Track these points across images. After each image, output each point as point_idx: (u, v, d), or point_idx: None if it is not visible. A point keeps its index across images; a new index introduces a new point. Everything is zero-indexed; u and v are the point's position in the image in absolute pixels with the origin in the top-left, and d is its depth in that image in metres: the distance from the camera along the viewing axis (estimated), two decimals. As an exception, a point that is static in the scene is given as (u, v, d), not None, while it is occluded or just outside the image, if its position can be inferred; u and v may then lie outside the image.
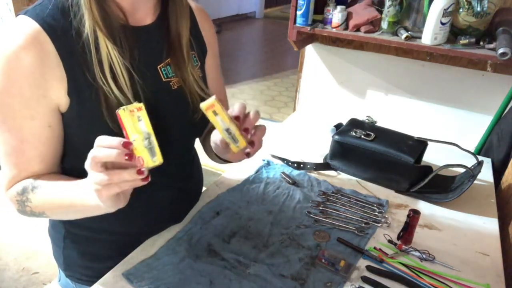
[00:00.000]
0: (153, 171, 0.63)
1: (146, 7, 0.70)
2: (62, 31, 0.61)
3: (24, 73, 0.59)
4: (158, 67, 0.72)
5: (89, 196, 0.59)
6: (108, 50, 0.62)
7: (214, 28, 0.89)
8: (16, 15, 0.63)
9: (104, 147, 0.52)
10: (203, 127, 0.84)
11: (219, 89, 0.93)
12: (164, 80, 0.73)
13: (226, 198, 1.00)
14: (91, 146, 0.64)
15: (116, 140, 0.52)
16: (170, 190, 0.82)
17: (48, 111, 0.64)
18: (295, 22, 1.44)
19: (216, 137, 0.69)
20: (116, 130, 0.64)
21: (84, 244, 0.82)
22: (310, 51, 1.72)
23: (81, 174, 0.70)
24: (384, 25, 1.35)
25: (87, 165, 0.53)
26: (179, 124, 0.76)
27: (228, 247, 0.83)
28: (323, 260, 0.79)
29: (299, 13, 1.42)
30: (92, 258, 0.83)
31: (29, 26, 0.60)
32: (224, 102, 0.95)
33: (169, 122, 0.73)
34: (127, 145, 0.51)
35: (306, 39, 1.60)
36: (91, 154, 0.52)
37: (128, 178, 0.52)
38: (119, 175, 0.51)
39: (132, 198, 0.72)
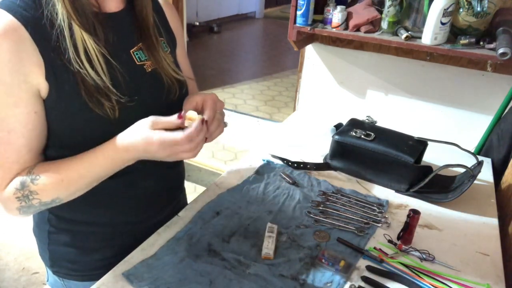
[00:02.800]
0: (138, 161, 0.69)
1: None
2: (34, 20, 0.63)
3: (2, 60, 0.60)
4: (131, 51, 0.75)
5: (122, 155, 0.67)
6: (82, 36, 0.64)
7: (180, 21, 0.93)
8: None
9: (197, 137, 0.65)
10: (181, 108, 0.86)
11: (190, 81, 0.96)
12: (137, 63, 0.75)
13: (226, 198, 1.00)
14: (72, 131, 0.69)
15: (199, 127, 0.65)
16: (152, 178, 0.83)
17: (31, 96, 0.64)
18: (295, 22, 1.44)
19: None
20: (97, 110, 0.67)
21: (69, 237, 0.82)
22: (310, 51, 1.72)
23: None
24: (384, 25, 1.34)
25: (177, 148, 0.64)
26: (156, 106, 0.77)
27: (228, 247, 0.83)
28: (323, 260, 0.79)
29: (299, 13, 1.42)
30: (78, 252, 0.83)
31: (2, 16, 0.61)
32: (193, 90, 1.00)
33: (146, 104, 0.75)
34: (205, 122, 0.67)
35: (306, 39, 1.60)
36: (191, 149, 0.65)
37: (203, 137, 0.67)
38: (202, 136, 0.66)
39: (112, 186, 0.77)
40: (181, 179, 0.99)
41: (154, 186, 0.84)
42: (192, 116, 0.67)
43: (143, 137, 0.65)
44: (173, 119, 0.66)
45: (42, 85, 0.64)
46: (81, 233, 0.82)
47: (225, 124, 0.76)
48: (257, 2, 7.82)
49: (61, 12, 0.63)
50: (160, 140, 0.64)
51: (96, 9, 0.70)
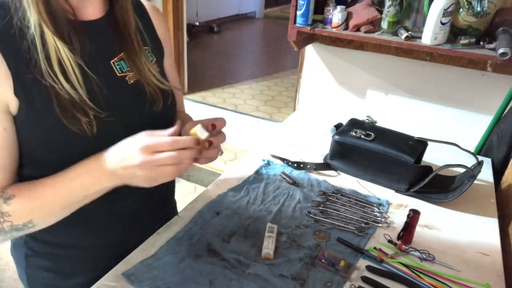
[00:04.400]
0: None
1: (92, 3, 0.68)
2: (2, 32, 0.59)
3: None
4: (111, 61, 0.70)
5: (96, 178, 0.62)
6: (56, 45, 0.60)
7: (167, 27, 0.89)
8: None
9: (185, 150, 0.59)
10: (166, 119, 0.79)
11: (178, 92, 0.92)
12: (118, 75, 0.71)
13: (226, 198, 1.00)
14: (47, 149, 0.64)
15: (190, 139, 0.60)
16: (135, 198, 0.78)
17: (0, 113, 0.60)
18: (295, 22, 1.44)
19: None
20: (72, 127, 0.62)
21: (48, 261, 0.78)
22: (310, 51, 1.72)
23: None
24: (384, 25, 1.34)
25: (152, 161, 0.58)
26: (138, 119, 0.73)
27: (228, 246, 0.83)
28: (323, 260, 0.79)
29: (299, 13, 1.42)
30: (57, 276, 0.79)
31: None
32: (181, 105, 0.96)
33: (128, 118, 0.71)
34: (198, 142, 0.61)
35: (306, 39, 1.60)
36: (172, 154, 0.58)
37: (191, 158, 0.61)
38: (191, 153, 0.60)
39: (92, 207, 0.69)
40: (170, 195, 0.94)
41: (138, 206, 0.80)
42: (196, 132, 0.64)
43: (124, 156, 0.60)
44: (170, 130, 0.61)
45: (11, 101, 0.60)
46: (60, 256, 0.78)
47: (220, 153, 0.70)
48: (257, 2, 7.81)
49: (33, 18, 0.59)
50: (141, 146, 0.58)
51: (71, 16, 0.65)
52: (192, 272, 0.76)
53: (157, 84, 0.75)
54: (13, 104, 0.60)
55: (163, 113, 0.76)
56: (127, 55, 0.72)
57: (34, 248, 0.78)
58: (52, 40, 0.60)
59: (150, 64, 0.75)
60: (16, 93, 0.60)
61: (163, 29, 0.85)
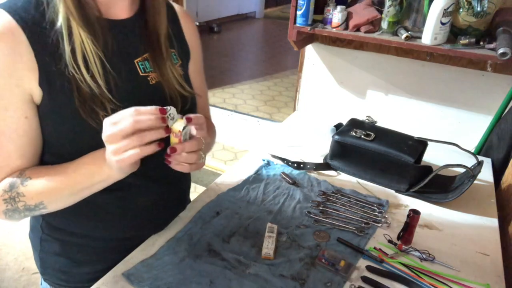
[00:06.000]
0: (132, 174, 0.65)
1: (121, 3, 0.70)
2: (33, 23, 0.61)
3: None
4: (135, 61, 0.72)
5: (99, 167, 0.62)
6: (81, 38, 0.62)
7: (198, 33, 0.88)
8: None
9: (145, 114, 0.56)
10: None
11: (203, 98, 0.92)
12: (141, 74, 0.72)
13: (226, 198, 1.00)
14: (64, 140, 0.67)
15: (153, 108, 0.57)
16: (149, 195, 0.79)
17: (23, 101, 0.62)
18: (295, 22, 1.44)
19: None
20: (89, 120, 0.64)
21: (60, 247, 0.80)
22: (310, 51, 1.71)
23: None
24: (384, 25, 1.34)
25: (114, 132, 0.56)
26: None
27: (228, 246, 0.83)
28: (323, 260, 0.79)
29: (299, 13, 1.42)
30: (68, 263, 0.81)
31: (1, 17, 0.60)
32: (205, 111, 0.95)
33: None
34: (163, 111, 0.57)
35: (306, 39, 1.60)
36: (130, 119, 0.55)
37: (156, 136, 0.57)
38: (150, 134, 0.56)
39: (107, 201, 0.73)
40: (185, 193, 0.95)
41: (153, 203, 0.81)
42: (174, 125, 0.61)
43: None
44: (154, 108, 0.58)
45: (35, 91, 0.63)
46: (72, 244, 0.80)
47: (202, 158, 0.66)
48: (257, 2, 7.81)
49: (61, 11, 0.61)
50: (108, 120, 0.58)
51: (97, 14, 0.67)
52: (192, 272, 0.76)
53: (177, 88, 0.76)
54: (37, 94, 0.63)
55: None
56: (152, 56, 0.73)
57: (49, 233, 0.80)
58: (77, 32, 0.62)
59: (174, 67, 0.76)
60: (41, 84, 0.62)
61: (192, 34, 0.85)
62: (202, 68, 0.93)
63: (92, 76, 0.64)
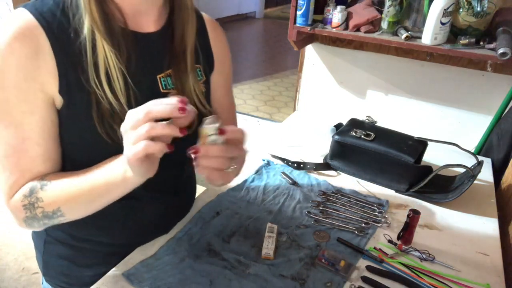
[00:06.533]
0: (141, 185, 0.64)
1: (149, 13, 0.67)
2: (59, 29, 0.60)
3: (18, 65, 0.57)
4: (158, 76, 0.69)
5: (116, 170, 0.59)
6: (105, 52, 0.60)
7: (227, 44, 0.84)
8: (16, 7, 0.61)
9: (161, 104, 0.51)
10: (194, 142, 0.78)
11: (225, 111, 0.86)
12: (162, 91, 0.70)
13: (226, 198, 1.00)
14: (77, 149, 0.66)
15: (172, 98, 0.52)
16: (156, 205, 0.79)
17: (47, 105, 0.61)
18: (295, 22, 1.44)
19: None
20: (105, 136, 0.62)
21: (64, 250, 0.80)
22: (310, 51, 1.71)
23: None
24: (384, 25, 1.34)
25: (127, 123, 0.52)
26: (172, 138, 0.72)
27: (228, 247, 0.83)
28: (323, 260, 0.79)
29: (299, 13, 1.42)
30: (71, 266, 0.81)
31: (25, 19, 0.58)
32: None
33: None
34: (183, 101, 0.51)
35: (306, 39, 1.60)
36: (145, 109, 0.51)
37: (167, 131, 0.51)
38: (161, 127, 0.51)
39: (116, 211, 0.72)
40: (190, 202, 0.94)
41: (159, 213, 0.81)
42: (204, 128, 0.55)
43: None
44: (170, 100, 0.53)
45: (56, 97, 0.61)
46: (77, 248, 0.79)
47: (231, 167, 0.57)
48: (257, 2, 7.81)
49: (86, 22, 0.59)
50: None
51: (123, 25, 0.64)
52: (192, 272, 0.76)
53: (198, 106, 0.73)
54: (57, 100, 0.62)
55: (193, 136, 0.73)
56: (175, 73, 0.70)
57: (53, 236, 0.80)
58: (101, 45, 0.60)
59: (197, 84, 0.73)
60: (60, 92, 0.61)
61: (220, 46, 0.81)
62: (231, 83, 0.88)
63: (114, 93, 0.62)
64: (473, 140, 1.46)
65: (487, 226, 0.97)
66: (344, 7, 1.38)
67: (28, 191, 0.63)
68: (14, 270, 1.88)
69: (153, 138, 0.51)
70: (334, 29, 1.41)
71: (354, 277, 0.78)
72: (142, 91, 0.66)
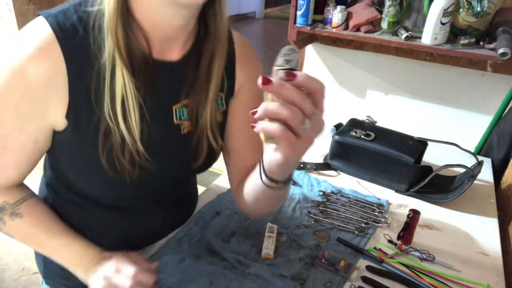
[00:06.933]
0: (145, 200, 0.66)
1: (177, 39, 0.62)
2: (78, 49, 0.55)
3: (27, 89, 0.55)
4: (174, 107, 0.65)
5: (80, 269, 0.65)
6: (124, 81, 0.56)
7: (256, 68, 0.74)
8: (37, 14, 0.56)
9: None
10: (201, 171, 0.75)
11: (243, 148, 0.74)
12: (175, 122, 0.65)
13: (226, 198, 1.00)
14: (78, 172, 0.64)
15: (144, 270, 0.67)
16: (159, 216, 0.79)
17: (40, 128, 0.59)
18: (295, 22, 1.44)
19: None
20: (107, 167, 0.60)
21: None
22: (310, 51, 1.71)
23: (60, 191, 0.71)
24: (384, 25, 1.34)
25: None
26: (176, 167, 0.70)
27: (228, 246, 0.83)
28: (323, 260, 0.79)
29: (299, 13, 1.42)
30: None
31: (45, 37, 0.54)
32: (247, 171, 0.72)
33: (168, 168, 0.68)
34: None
35: (306, 39, 1.60)
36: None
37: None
38: None
39: (121, 221, 0.74)
40: (191, 211, 0.93)
41: (161, 223, 0.81)
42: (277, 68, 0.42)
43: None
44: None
45: (60, 121, 0.59)
46: None
47: (306, 125, 0.43)
48: (257, 2, 7.81)
49: (108, 48, 0.55)
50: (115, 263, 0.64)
51: (146, 53, 0.60)
52: (192, 272, 0.76)
53: (209, 139, 0.68)
54: (61, 123, 0.59)
55: (197, 169, 0.72)
56: (194, 103, 0.65)
57: None
58: (121, 73, 0.56)
59: (215, 114, 0.67)
60: (67, 116, 0.58)
61: (247, 72, 0.72)
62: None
63: (128, 127, 0.58)
64: (473, 140, 1.46)
65: (487, 226, 0.97)
66: (344, 7, 1.38)
67: None
68: (14, 270, 1.88)
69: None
70: (334, 29, 1.41)
71: (354, 277, 0.78)
72: (156, 122, 0.63)
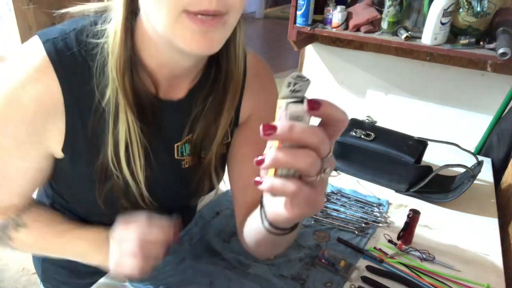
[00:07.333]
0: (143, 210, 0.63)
1: (185, 77, 0.59)
2: (79, 82, 0.52)
3: (23, 118, 0.51)
4: (176, 145, 0.62)
5: (96, 253, 0.60)
6: (128, 125, 0.52)
7: (271, 95, 0.68)
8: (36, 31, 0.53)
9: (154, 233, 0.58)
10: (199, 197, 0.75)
11: (242, 185, 0.69)
12: (176, 158, 0.63)
13: (226, 198, 1.00)
14: (70, 198, 0.64)
15: (165, 227, 0.59)
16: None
17: (41, 155, 0.57)
18: (295, 22, 1.44)
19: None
20: (102, 205, 0.59)
21: (65, 260, 0.76)
22: (310, 51, 1.71)
23: (64, 207, 0.70)
24: (384, 25, 1.34)
25: (120, 240, 0.56)
26: (175, 201, 0.70)
27: (228, 246, 0.83)
28: (323, 260, 0.79)
29: (299, 13, 1.42)
30: (70, 274, 0.80)
31: (43, 67, 0.50)
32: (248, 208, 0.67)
33: (165, 204, 0.65)
34: (176, 237, 0.55)
35: (306, 39, 1.60)
36: (138, 236, 0.55)
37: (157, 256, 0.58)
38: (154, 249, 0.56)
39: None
40: (193, 214, 0.92)
41: None
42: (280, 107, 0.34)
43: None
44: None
45: (58, 152, 0.56)
46: None
47: (321, 174, 0.35)
48: (257, 2, 7.81)
49: (111, 84, 0.51)
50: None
51: (152, 94, 0.56)
52: (192, 272, 0.76)
53: (211, 174, 0.65)
54: (59, 154, 0.57)
55: (197, 200, 0.72)
56: (198, 138, 0.62)
57: None
58: (125, 117, 0.52)
59: (220, 147, 0.64)
60: (64, 150, 0.56)
61: (259, 100, 0.66)
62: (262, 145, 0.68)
63: (132, 173, 0.56)
64: (473, 140, 1.46)
65: (487, 226, 0.97)
66: (344, 7, 1.38)
67: (1, 225, 0.62)
68: (14, 270, 1.87)
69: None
70: (334, 29, 1.41)
71: (354, 277, 0.78)
72: (158, 160, 0.60)
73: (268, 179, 0.35)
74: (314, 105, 0.32)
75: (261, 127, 0.32)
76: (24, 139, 0.53)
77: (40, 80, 0.50)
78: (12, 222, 0.62)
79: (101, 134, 0.54)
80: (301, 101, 0.32)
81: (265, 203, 0.44)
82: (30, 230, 0.63)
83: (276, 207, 0.40)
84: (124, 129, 0.53)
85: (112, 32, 0.51)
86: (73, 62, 0.51)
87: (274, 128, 0.32)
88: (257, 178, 0.36)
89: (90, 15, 0.55)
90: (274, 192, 0.35)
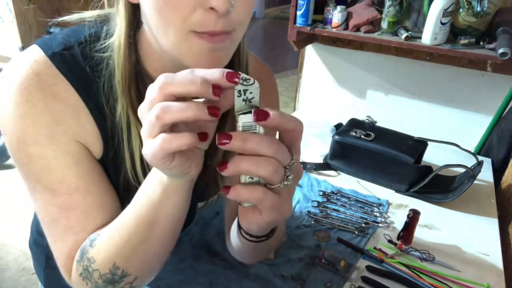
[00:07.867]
0: None
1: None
2: (91, 97, 0.51)
3: (55, 119, 0.49)
4: None
5: (152, 181, 0.45)
6: (140, 138, 0.49)
7: (272, 98, 0.68)
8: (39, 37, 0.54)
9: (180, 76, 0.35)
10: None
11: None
12: None
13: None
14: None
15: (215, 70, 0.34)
16: None
17: (90, 154, 0.54)
18: (295, 22, 1.44)
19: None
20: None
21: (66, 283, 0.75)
22: (310, 51, 1.71)
23: None
24: (384, 25, 1.34)
25: (145, 102, 0.36)
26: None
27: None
28: (323, 260, 0.79)
29: (299, 13, 1.42)
30: None
31: (59, 80, 0.49)
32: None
33: None
34: (232, 75, 0.33)
35: (306, 39, 1.60)
36: (161, 80, 0.35)
37: (190, 115, 0.33)
38: (178, 111, 0.33)
39: None
40: (193, 216, 0.88)
41: None
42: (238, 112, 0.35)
43: None
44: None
45: (97, 151, 0.54)
46: None
47: (284, 181, 0.37)
48: (257, 2, 7.81)
49: (121, 105, 0.51)
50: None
51: None
52: (193, 272, 0.76)
53: (217, 182, 0.65)
54: (97, 154, 0.55)
55: (200, 209, 0.71)
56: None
57: None
58: (137, 132, 0.51)
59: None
60: (102, 160, 0.55)
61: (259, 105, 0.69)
62: None
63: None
64: (473, 140, 1.46)
65: (487, 226, 0.97)
66: (344, 7, 1.38)
67: (79, 255, 0.51)
68: (14, 270, 1.88)
69: (175, 125, 0.36)
70: (334, 29, 1.41)
71: (354, 277, 0.78)
72: None
73: (234, 187, 0.36)
74: (260, 116, 0.33)
75: (217, 136, 0.33)
76: (67, 140, 0.50)
77: (58, 92, 0.49)
78: (87, 240, 0.51)
79: (119, 150, 0.54)
80: (251, 112, 0.33)
81: (238, 211, 0.44)
82: (103, 233, 0.51)
83: (247, 215, 0.42)
84: (137, 143, 0.51)
85: (116, 46, 0.50)
86: (85, 76, 0.50)
87: (229, 137, 0.33)
88: (226, 185, 0.37)
89: (90, 24, 0.54)
90: (240, 199, 0.37)
